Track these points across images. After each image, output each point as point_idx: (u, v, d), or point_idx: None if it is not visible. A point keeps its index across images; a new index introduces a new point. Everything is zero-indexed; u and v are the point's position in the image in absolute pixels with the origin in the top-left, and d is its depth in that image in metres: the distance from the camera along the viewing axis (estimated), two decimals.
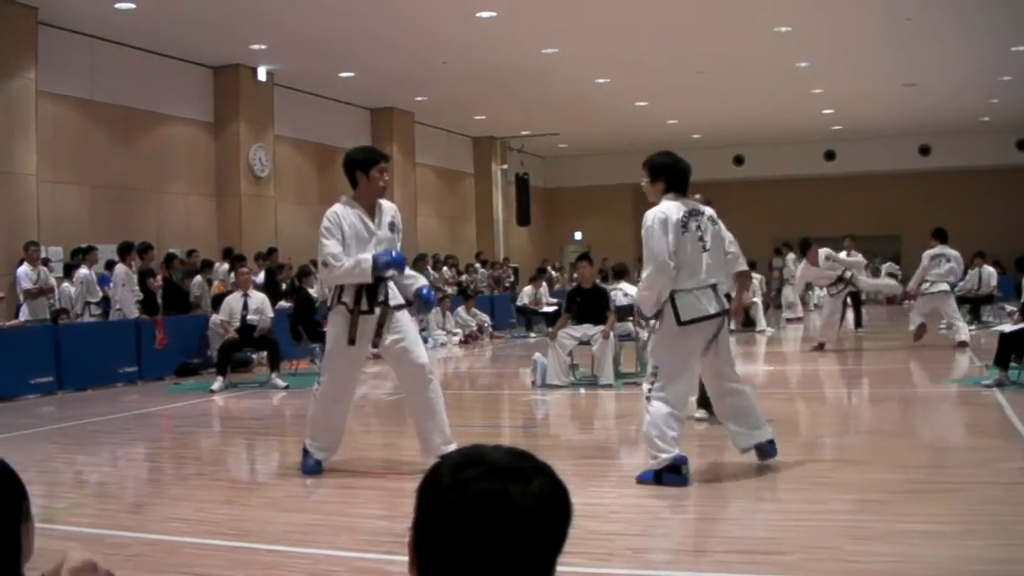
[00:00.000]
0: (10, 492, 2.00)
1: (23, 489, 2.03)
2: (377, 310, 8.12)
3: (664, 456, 7.42)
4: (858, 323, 23.15)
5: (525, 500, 1.67)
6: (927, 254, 18.42)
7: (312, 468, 8.34)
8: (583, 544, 5.75)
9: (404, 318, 8.37)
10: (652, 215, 7.59)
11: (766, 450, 7.97)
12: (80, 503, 7.58)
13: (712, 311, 7.64)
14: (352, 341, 8.10)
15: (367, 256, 7.96)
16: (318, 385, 8.50)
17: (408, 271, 8.60)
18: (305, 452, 8.43)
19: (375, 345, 8.32)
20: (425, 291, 8.45)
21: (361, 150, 8.62)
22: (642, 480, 7.59)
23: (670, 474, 7.41)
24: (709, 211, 7.91)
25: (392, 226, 8.33)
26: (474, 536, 1.65)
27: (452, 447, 7.46)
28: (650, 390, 7.62)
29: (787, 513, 6.63)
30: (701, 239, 7.67)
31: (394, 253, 8.12)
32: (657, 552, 5.90)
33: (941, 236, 18.59)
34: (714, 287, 7.74)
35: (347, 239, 8.06)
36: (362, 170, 8.21)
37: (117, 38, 19.83)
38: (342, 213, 8.15)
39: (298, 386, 15.29)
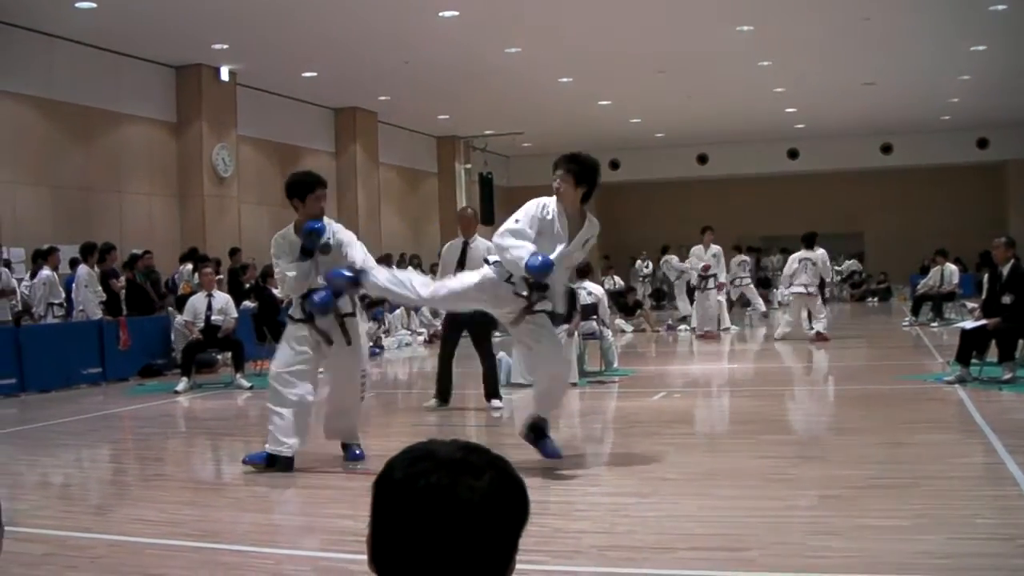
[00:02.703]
0: None
1: None
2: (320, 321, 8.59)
3: None
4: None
5: (473, 494, 1.69)
6: (795, 258, 20.29)
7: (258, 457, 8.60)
8: (548, 542, 5.79)
9: (353, 325, 8.79)
10: None
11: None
12: (42, 505, 7.54)
13: None
14: (328, 342, 8.62)
15: (300, 264, 8.50)
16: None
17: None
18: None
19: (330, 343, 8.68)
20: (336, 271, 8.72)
21: (301, 176, 8.98)
22: None
23: None
24: None
25: (326, 246, 8.65)
26: (424, 530, 1.67)
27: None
28: None
29: (749, 510, 6.66)
30: None
31: (321, 296, 8.42)
32: (622, 550, 5.92)
33: (809, 242, 20.37)
34: None
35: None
36: (299, 198, 8.66)
37: (77, 37, 19.69)
38: (283, 242, 8.71)
39: (263, 387, 15.22)
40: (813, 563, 5.46)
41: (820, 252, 20.50)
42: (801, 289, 19.86)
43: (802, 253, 20.18)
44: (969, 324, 13.05)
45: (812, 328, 19.85)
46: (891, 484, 7.24)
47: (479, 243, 11.86)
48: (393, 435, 10.70)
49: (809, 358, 17.49)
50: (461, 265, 11.54)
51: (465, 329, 12.33)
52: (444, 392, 12.34)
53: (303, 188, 8.62)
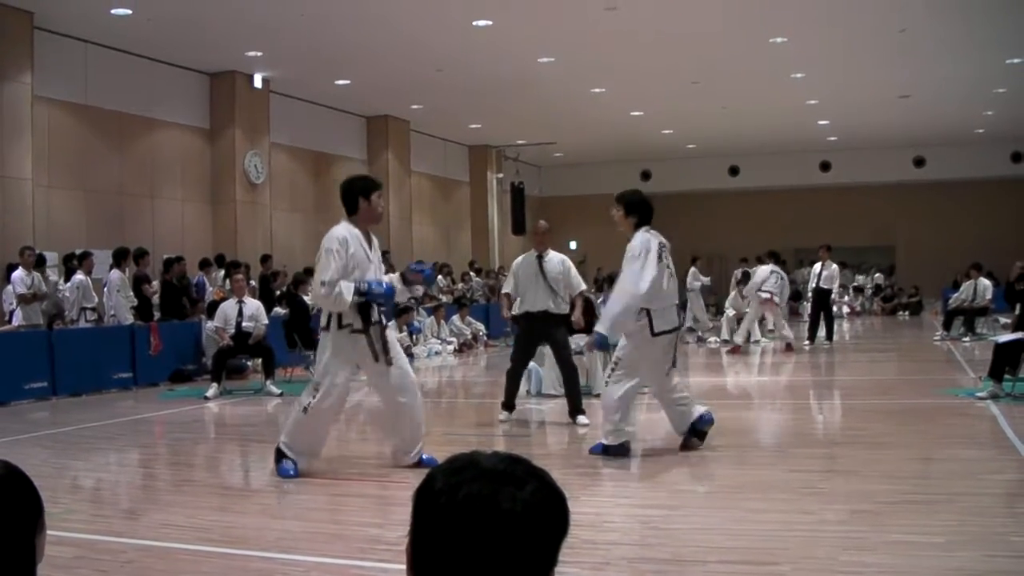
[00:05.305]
0: (30, 505, 2.10)
1: (40, 502, 2.13)
2: (373, 330, 8.50)
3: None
4: None
5: (515, 504, 1.67)
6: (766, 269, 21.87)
7: (288, 470, 8.57)
8: (578, 553, 5.77)
9: (392, 337, 8.85)
10: (641, 245, 8.92)
11: (705, 419, 9.48)
12: (73, 509, 7.57)
13: (676, 325, 9.34)
14: (376, 358, 8.58)
15: (350, 285, 8.25)
16: (312, 398, 8.53)
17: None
18: (282, 455, 8.62)
19: (382, 361, 8.63)
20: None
21: (361, 177, 9.03)
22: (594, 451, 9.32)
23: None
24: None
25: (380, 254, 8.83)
26: (464, 540, 1.65)
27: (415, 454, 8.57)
28: (608, 378, 9.20)
29: (780, 523, 6.62)
30: (669, 267, 9.17)
31: (385, 286, 8.47)
32: (652, 562, 5.89)
33: (776, 257, 22.47)
34: (676, 305, 9.47)
35: (350, 263, 8.33)
36: (364, 196, 8.53)
37: (113, 43, 19.82)
38: (349, 238, 8.39)
39: (292, 393, 15.27)
40: None
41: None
42: (767, 295, 21.20)
43: (772, 266, 21.82)
44: (1003, 339, 12.95)
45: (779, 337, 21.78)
46: (923, 500, 7.18)
47: (552, 256, 11.87)
48: (425, 444, 10.68)
49: (839, 371, 17.40)
50: (542, 277, 11.59)
51: (544, 341, 11.97)
52: (511, 403, 11.98)
53: (369, 187, 8.60)
